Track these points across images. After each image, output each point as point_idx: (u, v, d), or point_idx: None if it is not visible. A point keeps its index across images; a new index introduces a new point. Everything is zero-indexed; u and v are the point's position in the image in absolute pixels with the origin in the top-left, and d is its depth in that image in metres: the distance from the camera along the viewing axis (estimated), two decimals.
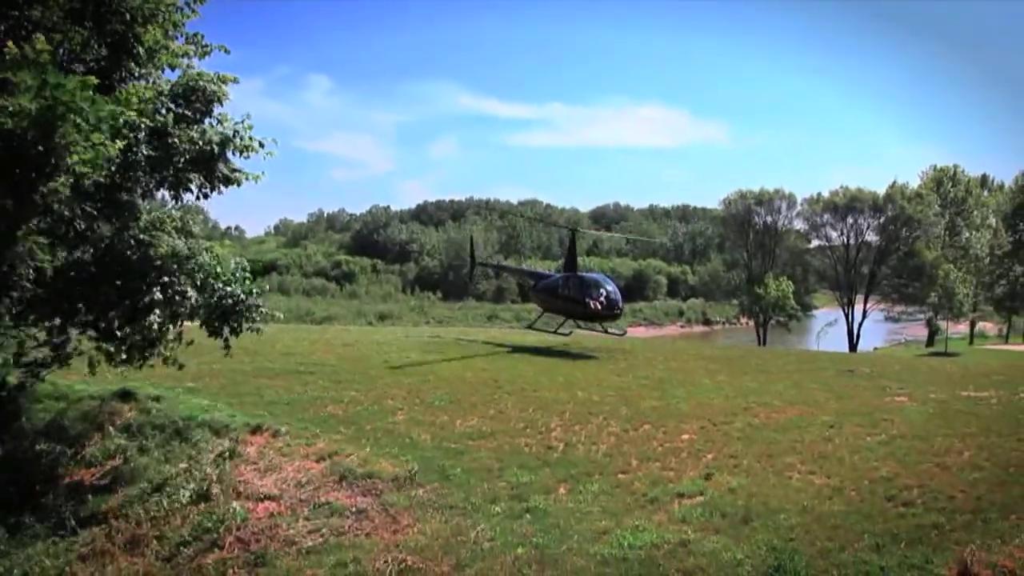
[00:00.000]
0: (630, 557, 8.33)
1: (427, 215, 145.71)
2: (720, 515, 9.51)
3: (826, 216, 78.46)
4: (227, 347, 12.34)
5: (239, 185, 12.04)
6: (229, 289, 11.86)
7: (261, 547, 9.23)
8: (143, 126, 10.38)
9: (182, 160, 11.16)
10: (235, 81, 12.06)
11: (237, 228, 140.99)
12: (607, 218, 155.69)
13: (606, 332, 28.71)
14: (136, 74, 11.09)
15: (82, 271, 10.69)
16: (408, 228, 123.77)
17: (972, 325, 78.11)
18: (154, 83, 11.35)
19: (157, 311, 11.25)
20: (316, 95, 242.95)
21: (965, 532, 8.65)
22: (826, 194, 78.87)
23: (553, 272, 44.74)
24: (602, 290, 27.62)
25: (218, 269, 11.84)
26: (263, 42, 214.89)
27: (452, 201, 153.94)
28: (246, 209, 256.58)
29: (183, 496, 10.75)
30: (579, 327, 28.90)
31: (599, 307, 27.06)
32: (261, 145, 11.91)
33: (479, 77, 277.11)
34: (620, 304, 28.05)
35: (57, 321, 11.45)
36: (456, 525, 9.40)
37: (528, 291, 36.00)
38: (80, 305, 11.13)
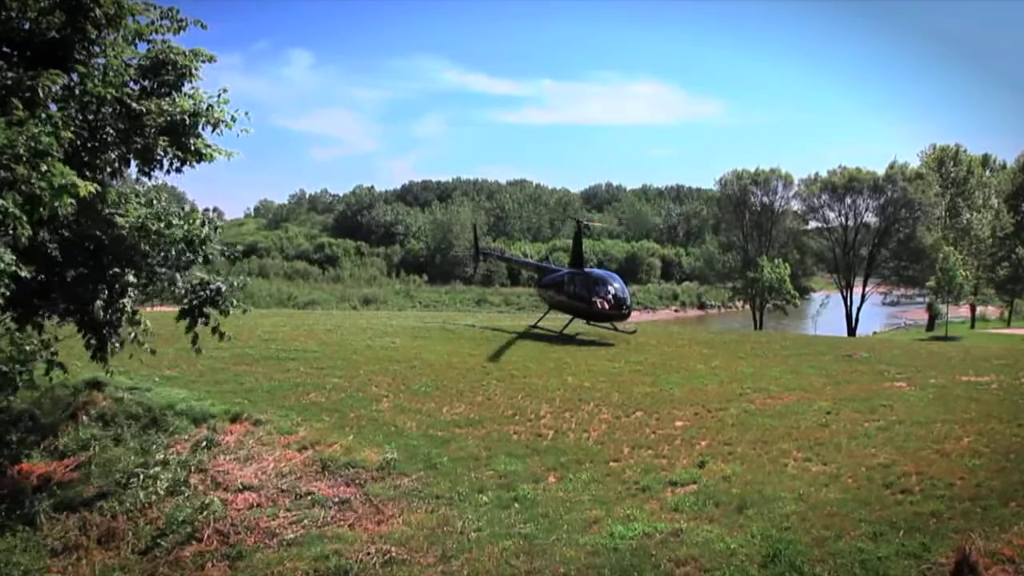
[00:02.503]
0: (621, 547, 8.35)
1: (412, 196, 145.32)
2: (714, 504, 9.55)
3: (824, 197, 78.55)
4: (195, 343, 11.60)
5: (210, 161, 11.89)
6: (207, 278, 11.71)
7: (240, 539, 9.22)
8: (109, 97, 10.22)
9: (151, 131, 10.98)
10: (211, 60, 11.91)
11: (215, 210, 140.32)
12: (599, 198, 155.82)
13: (615, 329, 27.45)
14: (97, 42, 10.82)
15: (49, 253, 10.49)
16: (393, 209, 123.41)
17: (973, 309, 78.61)
18: (118, 54, 11.12)
19: (132, 292, 11.09)
20: (296, 71, 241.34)
21: (964, 520, 8.73)
22: (824, 174, 79.08)
23: (547, 260, 44.18)
24: (609, 288, 26.87)
25: (192, 234, 11.59)
26: (241, 15, 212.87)
27: (439, 182, 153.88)
28: (225, 190, 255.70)
29: (160, 487, 10.72)
30: (588, 324, 27.84)
31: (607, 306, 26.38)
32: (234, 120, 11.73)
33: (466, 52, 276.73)
34: (628, 303, 27.32)
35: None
36: (442, 515, 9.41)
37: (534, 285, 34.14)
38: (54, 293, 10.96)
